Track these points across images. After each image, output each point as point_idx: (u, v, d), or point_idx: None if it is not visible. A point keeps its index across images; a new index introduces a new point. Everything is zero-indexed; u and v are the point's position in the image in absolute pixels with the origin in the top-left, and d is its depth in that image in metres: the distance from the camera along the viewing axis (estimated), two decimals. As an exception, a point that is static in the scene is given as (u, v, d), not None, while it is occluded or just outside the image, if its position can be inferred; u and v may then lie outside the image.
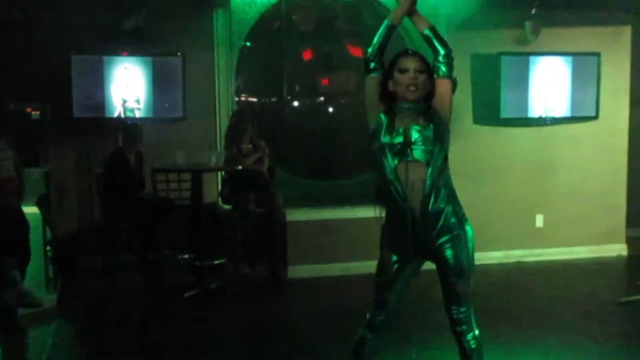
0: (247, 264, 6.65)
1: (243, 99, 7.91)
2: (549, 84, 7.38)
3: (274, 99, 8.30)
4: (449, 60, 3.27)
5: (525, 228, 7.49)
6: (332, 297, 6.15)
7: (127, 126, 6.58)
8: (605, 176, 7.64)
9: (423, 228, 3.21)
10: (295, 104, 8.38)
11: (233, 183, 6.70)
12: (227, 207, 6.80)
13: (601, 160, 7.63)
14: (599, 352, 4.68)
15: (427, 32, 3.34)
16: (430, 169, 3.15)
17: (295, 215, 6.85)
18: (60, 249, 6.30)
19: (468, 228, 3.29)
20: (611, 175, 7.65)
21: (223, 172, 6.86)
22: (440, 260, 3.26)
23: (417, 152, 3.15)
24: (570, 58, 7.41)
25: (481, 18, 7.17)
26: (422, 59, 3.22)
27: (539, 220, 7.53)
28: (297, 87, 8.39)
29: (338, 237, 6.83)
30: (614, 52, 7.53)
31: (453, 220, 3.24)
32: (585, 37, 7.43)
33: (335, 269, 6.79)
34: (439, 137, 3.17)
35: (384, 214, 3.35)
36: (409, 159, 3.15)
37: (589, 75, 7.45)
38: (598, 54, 7.44)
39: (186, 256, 6.64)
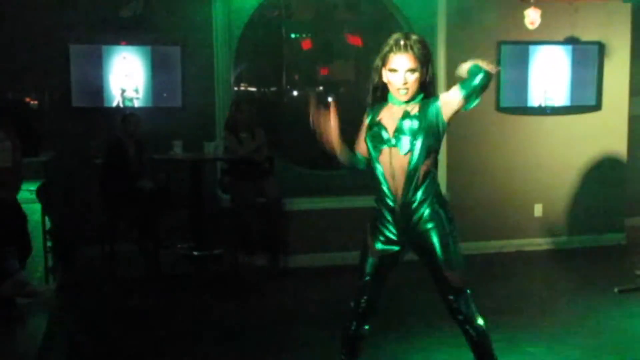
0: (246, 253, 6.64)
1: (242, 88, 7.90)
2: (549, 73, 7.37)
3: (273, 89, 8.29)
4: (481, 92, 3.10)
5: (524, 217, 7.49)
6: (331, 286, 6.15)
7: (126, 115, 6.57)
8: (604, 165, 7.64)
9: (402, 217, 3.25)
10: (294, 93, 8.37)
11: (232, 172, 6.70)
12: (226, 196, 6.79)
13: (600, 150, 7.62)
14: (597, 342, 4.69)
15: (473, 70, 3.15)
16: (411, 159, 3.18)
17: (295, 204, 6.85)
18: (60, 238, 6.29)
19: (448, 217, 3.28)
20: (610, 165, 7.65)
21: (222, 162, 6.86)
22: (424, 251, 3.28)
23: (400, 141, 3.18)
24: (570, 47, 7.40)
25: (481, 6, 7.16)
26: (414, 55, 3.13)
27: (538, 210, 7.54)
28: (296, 77, 8.37)
29: (337, 226, 6.83)
30: (614, 41, 7.51)
31: (432, 211, 3.24)
32: (585, 26, 7.40)
33: (335, 258, 6.79)
34: (428, 129, 3.17)
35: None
36: (392, 146, 3.20)
37: (590, 65, 7.45)
38: (599, 43, 7.43)
39: (185, 246, 6.65)
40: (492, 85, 7.12)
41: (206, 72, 6.93)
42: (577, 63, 7.42)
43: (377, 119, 3.28)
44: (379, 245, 3.33)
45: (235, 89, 7.48)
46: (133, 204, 6.36)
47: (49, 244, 6.20)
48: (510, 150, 7.42)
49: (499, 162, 7.36)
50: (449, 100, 3.16)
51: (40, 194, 6.11)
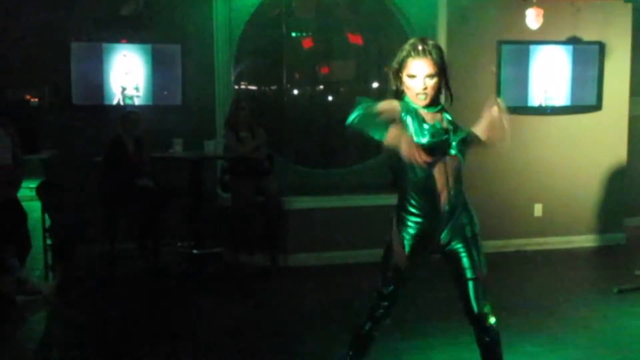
0: (246, 252, 6.64)
1: (242, 86, 7.90)
2: (549, 73, 7.37)
3: (273, 87, 8.28)
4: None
5: (524, 217, 7.49)
6: (330, 286, 6.15)
7: (126, 113, 6.56)
8: (604, 165, 7.64)
9: (445, 221, 3.21)
10: (295, 92, 8.36)
11: (232, 171, 6.70)
12: (226, 195, 6.79)
13: (601, 150, 7.62)
14: (596, 341, 4.70)
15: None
16: (459, 160, 3.16)
17: (294, 203, 6.85)
18: (60, 236, 6.30)
19: (475, 218, 3.30)
20: (610, 165, 7.65)
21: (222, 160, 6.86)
22: (454, 253, 3.26)
23: (453, 147, 3.13)
24: (570, 47, 7.40)
25: (482, 6, 7.15)
26: (432, 61, 3.09)
27: (538, 210, 7.54)
28: (297, 75, 8.36)
29: (337, 225, 6.83)
30: (615, 41, 7.51)
31: (465, 212, 3.26)
32: (585, 26, 7.40)
33: (334, 257, 6.80)
34: (460, 130, 3.17)
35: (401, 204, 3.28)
36: (447, 153, 3.13)
37: (591, 65, 7.45)
38: (600, 43, 7.43)
39: (185, 244, 6.65)
40: (492, 84, 7.23)
41: (206, 70, 6.93)
42: (578, 63, 7.42)
43: (429, 121, 3.13)
44: (410, 252, 3.24)
45: (236, 87, 7.48)
46: (133, 203, 6.36)
47: (48, 241, 6.22)
48: (510, 150, 7.37)
49: (498, 162, 7.35)
50: (473, 141, 3.20)
51: (41, 191, 6.12)
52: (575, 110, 7.52)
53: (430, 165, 3.09)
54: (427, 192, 3.16)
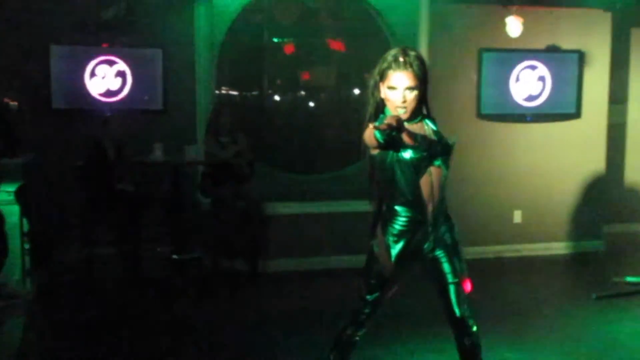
0: (226, 257, 6.62)
1: (224, 91, 7.89)
2: (529, 80, 7.42)
3: (254, 93, 8.29)
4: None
5: (503, 223, 7.52)
6: (311, 291, 6.15)
7: (106, 118, 6.53)
8: (583, 173, 7.69)
9: (431, 231, 3.22)
10: (276, 97, 8.37)
11: (213, 176, 6.68)
12: (206, 200, 6.77)
13: (580, 157, 7.67)
14: (575, 347, 4.73)
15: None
16: (444, 169, 3.17)
17: (275, 208, 6.84)
18: (38, 241, 6.25)
19: (454, 223, 3.32)
20: (589, 172, 7.70)
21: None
22: (435, 260, 3.27)
23: (437, 159, 3.15)
24: (550, 55, 7.45)
25: (463, 13, 7.19)
26: (413, 73, 3.07)
27: (517, 216, 7.57)
28: (278, 81, 8.37)
29: (318, 230, 6.83)
30: (594, 49, 7.57)
31: (445, 219, 3.28)
32: (565, 35, 7.47)
33: (315, 262, 6.79)
34: (443, 139, 3.19)
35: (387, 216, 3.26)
36: (432, 165, 3.14)
37: (570, 73, 7.51)
38: (579, 52, 7.49)
39: (165, 249, 6.62)
40: (473, 92, 7.27)
41: (188, 75, 6.91)
42: (558, 71, 7.48)
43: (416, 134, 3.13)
44: (396, 261, 3.22)
45: (217, 92, 7.46)
46: (113, 207, 6.33)
47: (26, 246, 6.16)
48: (490, 157, 7.45)
49: (478, 168, 7.38)
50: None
51: (19, 195, 6.06)
52: (555, 117, 7.57)
53: (419, 178, 3.11)
54: (414, 202, 3.15)
